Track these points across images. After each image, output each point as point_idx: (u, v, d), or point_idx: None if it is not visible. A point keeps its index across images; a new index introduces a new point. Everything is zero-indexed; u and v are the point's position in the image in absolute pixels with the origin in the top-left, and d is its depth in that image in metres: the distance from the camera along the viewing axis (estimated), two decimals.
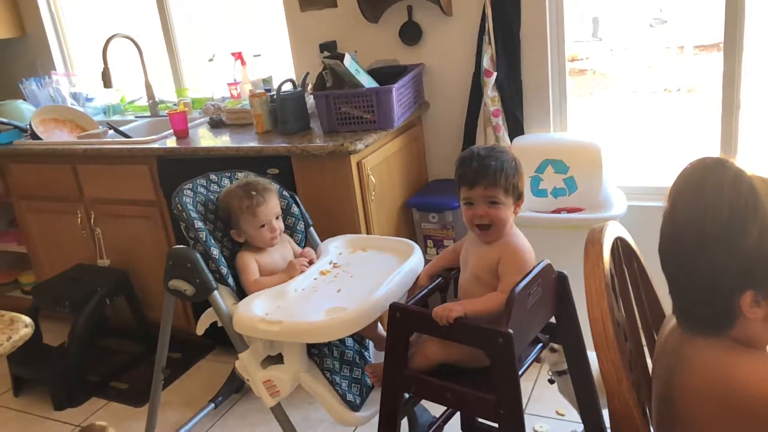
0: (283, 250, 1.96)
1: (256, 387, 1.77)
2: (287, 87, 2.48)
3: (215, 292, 1.79)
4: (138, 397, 2.57)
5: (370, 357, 1.92)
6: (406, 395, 1.63)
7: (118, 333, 2.94)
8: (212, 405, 2.38)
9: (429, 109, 2.72)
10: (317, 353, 1.79)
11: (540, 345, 1.70)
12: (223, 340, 1.88)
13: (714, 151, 2.29)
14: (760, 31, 2.26)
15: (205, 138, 2.64)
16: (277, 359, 1.78)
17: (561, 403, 2.06)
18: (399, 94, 2.38)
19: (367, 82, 2.38)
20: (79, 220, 2.88)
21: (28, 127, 2.99)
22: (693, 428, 1.08)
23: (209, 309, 1.85)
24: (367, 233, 2.32)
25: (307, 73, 2.57)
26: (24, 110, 3.20)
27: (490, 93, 2.47)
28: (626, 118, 4.44)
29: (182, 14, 3.27)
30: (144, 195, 2.66)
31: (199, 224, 1.83)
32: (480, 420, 2.12)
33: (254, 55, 2.97)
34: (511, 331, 1.36)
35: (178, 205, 1.84)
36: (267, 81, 2.86)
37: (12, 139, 2.99)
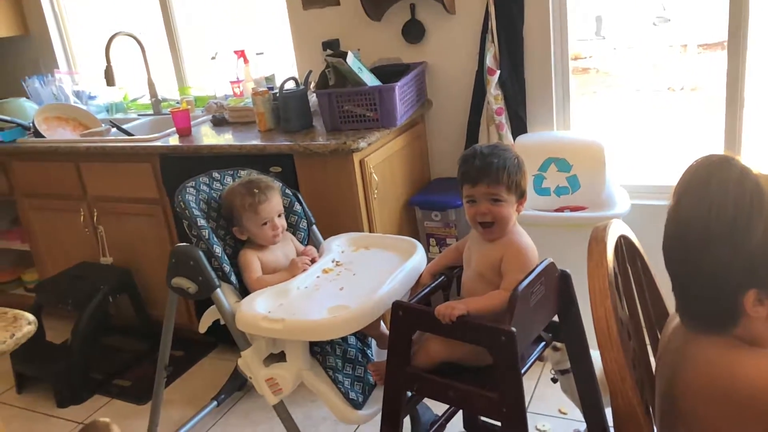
0: (286, 248, 1.96)
1: (259, 385, 1.77)
2: (290, 85, 2.48)
3: (218, 289, 1.80)
4: (141, 395, 2.57)
5: (372, 355, 1.92)
6: (409, 393, 1.62)
7: (121, 331, 2.94)
8: (215, 403, 2.39)
9: (432, 108, 2.72)
10: (320, 351, 1.79)
11: (543, 343, 1.70)
12: (226, 338, 1.88)
13: (718, 150, 2.29)
14: (764, 30, 2.25)
15: (207, 136, 2.65)
16: (280, 357, 1.78)
17: (564, 401, 2.06)
18: (402, 92, 2.38)
19: (370, 80, 2.37)
20: (82, 218, 2.89)
21: (31, 125, 3.00)
22: (696, 426, 1.08)
23: (212, 307, 1.85)
24: (370, 231, 2.32)
25: (310, 71, 2.56)
26: (27, 108, 3.21)
27: (493, 91, 2.46)
28: (629, 117, 4.43)
29: (185, 12, 3.27)
30: (147, 193, 2.67)
31: (201, 222, 1.83)
32: (482, 418, 2.12)
33: (257, 53, 2.97)
34: (513, 329, 1.36)
35: (181, 203, 1.84)
36: (270, 79, 2.86)
37: (15, 137, 3.00)
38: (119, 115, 3.36)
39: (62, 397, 2.60)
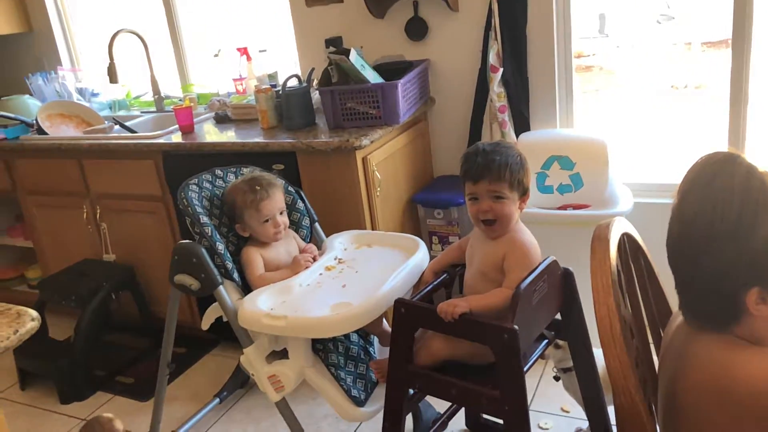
0: (289, 245, 1.96)
1: (261, 382, 1.77)
2: (293, 82, 2.48)
3: (220, 286, 1.80)
4: (143, 392, 2.58)
5: (374, 353, 1.92)
6: (411, 391, 1.63)
7: (124, 328, 2.95)
8: (217, 400, 2.39)
9: (435, 105, 2.72)
10: (322, 348, 1.79)
11: (545, 341, 1.70)
12: (228, 335, 1.88)
13: (722, 148, 2.28)
14: None
15: (210, 133, 2.65)
16: (282, 354, 1.78)
17: (566, 399, 2.06)
18: (404, 89, 2.38)
19: (373, 77, 2.37)
20: (85, 215, 2.89)
21: (34, 122, 3.00)
22: (697, 424, 1.07)
23: (214, 304, 1.86)
24: (372, 229, 2.32)
25: (313, 69, 2.56)
26: (30, 105, 3.21)
27: (496, 89, 2.46)
28: (633, 115, 4.42)
29: (188, 10, 3.27)
30: (149, 190, 2.67)
31: (204, 219, 1.83)
32: (485, 416, 2.12)
33: (260, 51, 2.97)
34: (516, 327, 1.36)
35: (184, 200, 1.84)
36: (272, 76, 2.86)
37: (18, 134, 3.00)
38: (122, 113, 3.37)
39: (65, 393, 2.61)
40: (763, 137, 2.45)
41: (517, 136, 2.49)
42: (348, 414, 1.73)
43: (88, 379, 2.65)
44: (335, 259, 1.92)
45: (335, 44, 2.63)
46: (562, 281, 1.60)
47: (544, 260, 1.54)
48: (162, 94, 3.24)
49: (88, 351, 2.63)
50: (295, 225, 2.04)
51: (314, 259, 1.91)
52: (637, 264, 1.44)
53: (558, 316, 1.67)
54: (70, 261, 2.93)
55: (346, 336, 1.86)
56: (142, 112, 3.30)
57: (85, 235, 2.94)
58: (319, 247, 2.03)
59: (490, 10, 2.42)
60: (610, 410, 1.61)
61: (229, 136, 2.57)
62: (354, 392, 1.74)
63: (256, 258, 1.88)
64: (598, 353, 1.55)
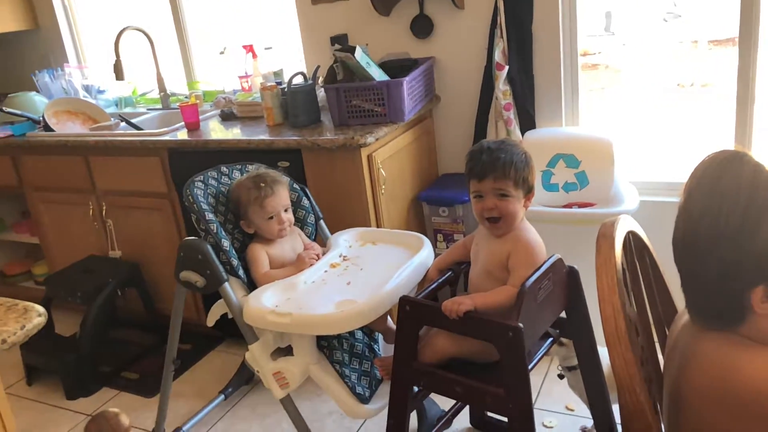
0: (294, 242, 1.97)
1: (266, 378, 1.78)
2: (298, 80, 2.48)
3: (226, 283, 1.80)
4: (149, 388, 2.59)
5: (379, 350, 1.93)
6: (416, 388, 1.63)
7: (129, 324, 2.96)
8: (222, 396, 2.40)
9: (440, 103, 2.72)
10: (327, 346, 1.79)
11: (550, 340, 1.70)
12: (234, 331, 1.89)
13: (729, 146, 2.27)
14: None
15: (216, 130, 2.65)
16: (287, 351, 1.79)
17: (571, 398, 2.05)
18: (410, 87, 2.37)
19: (378, 75, 2.37)
20: (91, 211, 2.90)
21: (41, 118, 3.01)
22: (701, 424, 1.07)
23: (220, 300, 1.86)
24: (377, 226, 2.32)
25: (318, 66, 2.56)
26: (37, 102, 3.22)
27: (502, 87, 2.45)
28: (639, 113, 4.41)
29: (194, 7, 3.27)
30: (155, 187, 2.68)
31: (210, 216, 1.84)
32: (489, 414, 2.12)
33: (265, 48, 2.97)
34: (521, 325, 1.36)
35: (189, 197, 1.85)
36: (278, 74, 2.86)
37: (25, 130, 3.01)
38: (128, 110, 3.37)
39: (71, 389, 2.62)
40: None
41: (522, 134, 2.49)
42: (352, 411, 1.74)
43: (94, 375, 2.66)
44: (340, 256, 1.92)
45: (341, 42, 2.63)
46: (567, 279, 1.60)
47: (549, 258, 1.54)
48: (168, 92, 3.25)
49: (94, 347, 2.64)
50: (300, 222, 2.05)
51: (318, 257, 1.91)
52: (642, 262, 1.43)
53: (563, 315, 1.67)
54: (76, 257, 2.95)
55: (351, 333, 1.87)
56: (148, 109, 3.31)
57: (91, 231, 2.95)
58: (323, 245, 2.03)
59: (496, 7, 2.42)
60: (615, 409, 1.61)
61: (234, 133, 2.57)
62: (358, 389, 1.74)
63: (261, 255, 1.88)
64: (603, 352, 1.55)
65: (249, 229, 1.93)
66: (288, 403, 1.81)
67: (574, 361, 1.78)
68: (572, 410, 2.16)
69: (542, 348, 1.66)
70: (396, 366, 1.58)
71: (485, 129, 2.60)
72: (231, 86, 3.16)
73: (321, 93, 2.55)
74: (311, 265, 1.86)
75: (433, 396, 2.00)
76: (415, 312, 1.53)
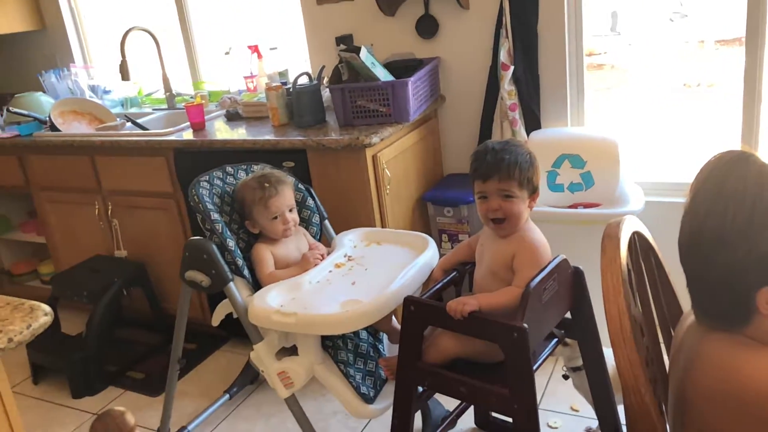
0: (299, 242, 1.97)
1: (271, 378, 1.78)
2: (303, 80, 2.48)
3: (231, 283, 1.81)
4: (154, 387, 2.60)
5: (384, 350, 1.93)
6: (420, 388, 1.63)
7: (135, 324, 2.97)
8: (227, 396, 2.40)
9: (445, 103, 2.71)
10: (331, 345, 1.79)
11: (555, 340, 1.69)
12: (238, 331, 1.89)
13: (735, 147, 2.26)
14: None
15: (221, 131, 2.66)
16: (292, 351, 1.79)
17: (575, 398, 2.05)
18: (415, 87, 2.37)
19: (383, 75, 2.37)
20: (97, 211, 2.91)
21: (47, 119, 3.03)
22: (705, 425, 1.07)
23: (225, 300, 1.86)
24: (382, 227, 2.32)
25: (323, 67, 2.57)
26: (43, 102, 3.24)
27: (507, 87, 2.45)
28: (645, 113, 4.39)
29: (199, 7, 3.28)
30: (161, 187, 2.68)
31: (215, 216, 1.84)
32: (494, 414, 2.12)
33: (271, 49, 2.98)
34: (525, 325, 1.36)
35: (195, 197, 1.85)
36: (283, 74, 2.86)
37: (32, 130, 3.03)
38: (134, 110, 3.39)
39: (77, 388, 2.63)
40: None
41: (527, 134, 2.49)
42: (357, 411, 1.74)
43: (100, 374, 2.67)
44: (345, 256, 1.92)
45: (346, 42, 2.64)
46: (572, 280, 1.59)
47: (554, 259, 1.54)
48: (173, 92, 3.26)
49: (100, 346, 2.65)
50: (305, 222, 2.05)
51: (322, 257, 1.92)
52: (647, 263, 1.43)
53: (568, 315, 1.67)
54: (82, 257, 2.96)
55: (356, 333, 1.87)
56: (153, 110, 3.32)
57: (97, 231, 2.96)
58: (328, 245, 2.03)
59: (501, 7, 2.42)
60: (620, 410, 1.60)
61: (239, 133, 2.58)
62: (363, 389, 1.74)
63: (266, 255, 1.88)
64: (608, 352, 1.55)
65: (254, 229, 1.93)
66: (293, 403, 1.81)
67: (579, 362, 1.77)
68: (577, 411, 2.15)
69: (547, 348, 1.66)
70: (400, 366, 1.59)
71: (490, 129, 2.60)
72: (236, 86, 3.17)
73: (326, 93, 2.55)
74: (316, 265, 1.86)
75: (438, 396, 2.00)
76: (420, 312, 1.53)
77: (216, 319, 1.93)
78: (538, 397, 2.20)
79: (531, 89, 2.48)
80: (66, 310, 2.93)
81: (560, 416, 2.14)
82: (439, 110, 2.73)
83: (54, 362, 2.71)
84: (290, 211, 1.91)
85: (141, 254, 2.88)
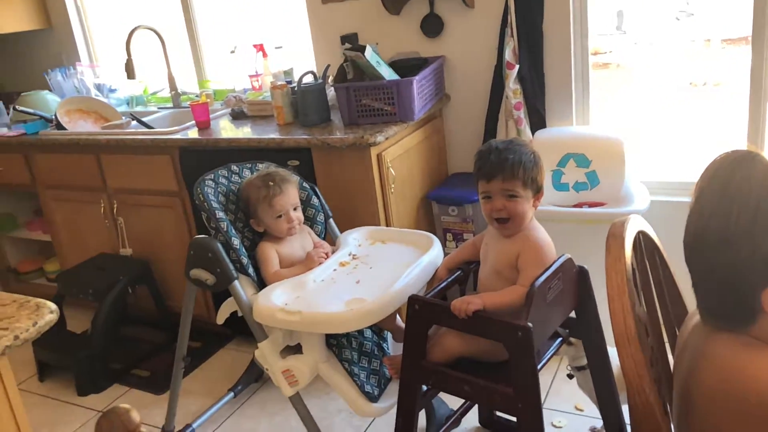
0: (304, 240, 1.97)
1: (275, 376, 1.78)
2: (308, 79, 2.48)
3: (236, 281, 1.81)
4: (159, 385, 2.61)
5: (388, 349, 1.93)
6: (424, 387, 1.63)
7: (140, 322, 2.98)
8: (231, 394, 2.41)
9: (450, 102, 2.71)
10: (336, 344, 1.80)
11: (559, 339, 1.69)
12: (243, 329, 1.90)
13: (741, 146, 2.26)
14: None
15: (226, 129, 2.66)
16: (296, 349, 1.79)
17: (580, 398, 2.05)
18: (420, 86, 2.37)
19: (388, 74, 2.37)
20: (102, 209, 2.92)
21: (53, 117, 3.04)
22: (709, 425, 1.07)
23: (229, 298, 1.87)
24: (387, 225, 2.32)
25: (328, 65, 2.57)
26: (49, 101, 3.25)
27: (512, 86, 2.45)
28: (650, 112, 4.38)
29: (204, 6, 3.29)
30: (166, 185, 2.69)
31: (220, 214, 1.85)
32: (498, 414, 2.12)
33: (276, 47, 2.98)
34: (530, 324, 1.36)
35: (200, 196, 1.85)
36: (288, 73, 2.86)
37: (38, 129, 3.04)
38: (139, 108, 3.39)
39: (82, 385, 2.64)
40: None
41: (532, 133, 2.48)
42: (361, 409, 1.74)
43: (105, 372, 2.68)
44: (349, 255, 1.92)
45: (351, 41, 2.64)
46: (576, 279, 1.59)
47: (558, 258, 1.53)
48: (179, 90, 3.27)
49: (106, 344, 2.66)
50: (309, 221, 2.05)
51: (327, 255, 1.92)
52: (652, 262, 1.42)
53: (572, 314, 1.66)
54: (87, 255, 2.97)
55: (360, 332, 1.87)
56: (159, 108, 3.33)
57: (103, 229, 2.97)
58: (333, 243, 2.03)
59: (507, 6, 2.41)
60: (625, 409, 1.60)
61: (244, 132, 2.58)
62: (367, 388, 1.75)
63: (271, 254, 1.89)
64: (612, 352, 1.54)
65: (259, 227, 1.93)
66: (297, 401, 1.82)
67: (584, 361, 1.77)
68: (581, 410, 2.15)
69: (551, 348, 1.66)
70: (405, 365, 1.59)
71: (495, 128, 2.59)
72: (241, 85, 3.17)
73: (331, 92, 2.55)
74: (320, 263, 1.86)
75: (442, 395, 2.01)
76: (424, 311, 1.53)
77: (221, 317, 1.93)
78: (543, 397, 2.19)
79: (536, 88, 2.48)
80: (71, 307, 2.95)
81: (564, 415, 2.14)
82: (443, 109, 2.73)
83: (60, 360, 2.72)
84: (295, 209, 1.91)
85: (146, 252, 2.89)
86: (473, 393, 1.52)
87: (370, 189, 2.27)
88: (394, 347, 1.94)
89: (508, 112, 2.50)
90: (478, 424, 2.14)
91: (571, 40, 2.43)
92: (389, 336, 1.95)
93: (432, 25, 2.62)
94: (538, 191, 1.56)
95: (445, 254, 1.86)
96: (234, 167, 2.02)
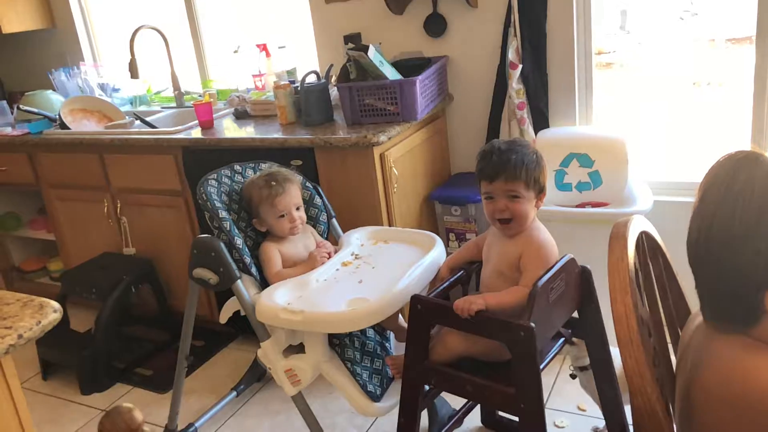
0: (306, 240, 1.97)
1: (278, 376, 1.78)
2: (311, 79, 2.49)
3: (238, 281, 1.81)
4: (162, 384, 2.61)
5: (390, 348, 1.93)
6: (427, 387, 1.63)
7: (143, 321, 2.98)
8: (234, 393, 2.41)
9: (453, 102, 2.71)
10: (338, 343, 1.80)
11: (562, 339, 1.69)
12: (246, 328, 1.90)
13: (745, 146, 2.25)
14: None
15: (229, 129, 2.67)
16: (299, 349, 1.80)
17: (582, 398, 2.05)
18: (423, 86, 2.37)
19: (391, 74, 2.37)
20: (106, 208, 2.93)
21: (57, 117, 3.05)
22: (710, 425, 1.06)
23: (232, 298, 1.87)
24: (389, 225, 2.32)
25: (331, 65, 2.57)
26: (53, 100, 3.26)
27: (515, 85, 2.44)
28: (654, 112, 4.37)
29: (208, 6, 3.29)
30: (169, 185, 2.70)
31: (223, 214, 1.85)
32: (500, 413, 2.12)
33: (279, 47, 2.98)
34: (532, 324, 1.36)
35: (203, 195, 1.86)
36: (291, 73, 2.87)
37: (42, 128, 3.05)
38: (143, 108, 3.40)
39: (86, 384, 2.65)
40: None
41: (535, 133, 2.48)
42: (364, 409, 1.74)
43: (108, 371, 2.69)
44: (352, 254, 1.92)
45: (354, 41, 2.64)
46: (579, 279, 1.59)
47: (561, 258, 1.53)
48: (182, 90, 3.27)
49: (109, 343, 2.67)
50: (312, 221, 2.05)
51: (329, 255, 1.92)
52: (655, 262, 1.42)
53: (575, 314, 1.66)
54: (91, 254, 2.98)
55: (363, 331, 1.87)
56: (162, 108, 3.33)
57: (106, 228, 2.98)
58: (336, 243, 2.04)
59: (510, 6, 2.41)
60: (627, 410, 1.60)
61: (248, 131, 2.58)
62: (370, 387, 1.75)
63: (273, 254, 1.89)
64: (615, 352, 1.54)
65: (261, 227, 1.94)
66: (299, 401, 1.82)
67: (586, 361, 1.77)
68: (584, 410, 2.15)
69: (554, 348, 1.66)
70: (407, 364, 1.59)
71: (498, 128, 2.59)
72: (244, 85, 3.18)
73: (334, 92, 2.55)
74: (323, 263, 1.87)
75: (444, 395, 2.01)
76: (427, 311, 1.53)
77: (224, 316, 1.94)
78: (545, 397, 2.19)
79: (539, 88, 2.48)
80: (75, 306, 2.96)
81: (567, 416, 2.14)
82: (446, 109, 2.73)
83: (63, 359, 2.73)
84: (297, 209, 1.92)
85: (149, 252, 2.89)
86: (475, 393, 1.52)
87: (372, 189, 2.27)
88: (396, 347, 1.94)
89: (511, 112, 2.50)
90: (481, 424, 2.14)
91: (574, 40, 2.43)
92: (392, 335, 1.96)
93: (435, 25, 2.62)
94: (540, 192, 1.56)
95: (448, 254, 1.86)
96: (237, 167, 2.02)
